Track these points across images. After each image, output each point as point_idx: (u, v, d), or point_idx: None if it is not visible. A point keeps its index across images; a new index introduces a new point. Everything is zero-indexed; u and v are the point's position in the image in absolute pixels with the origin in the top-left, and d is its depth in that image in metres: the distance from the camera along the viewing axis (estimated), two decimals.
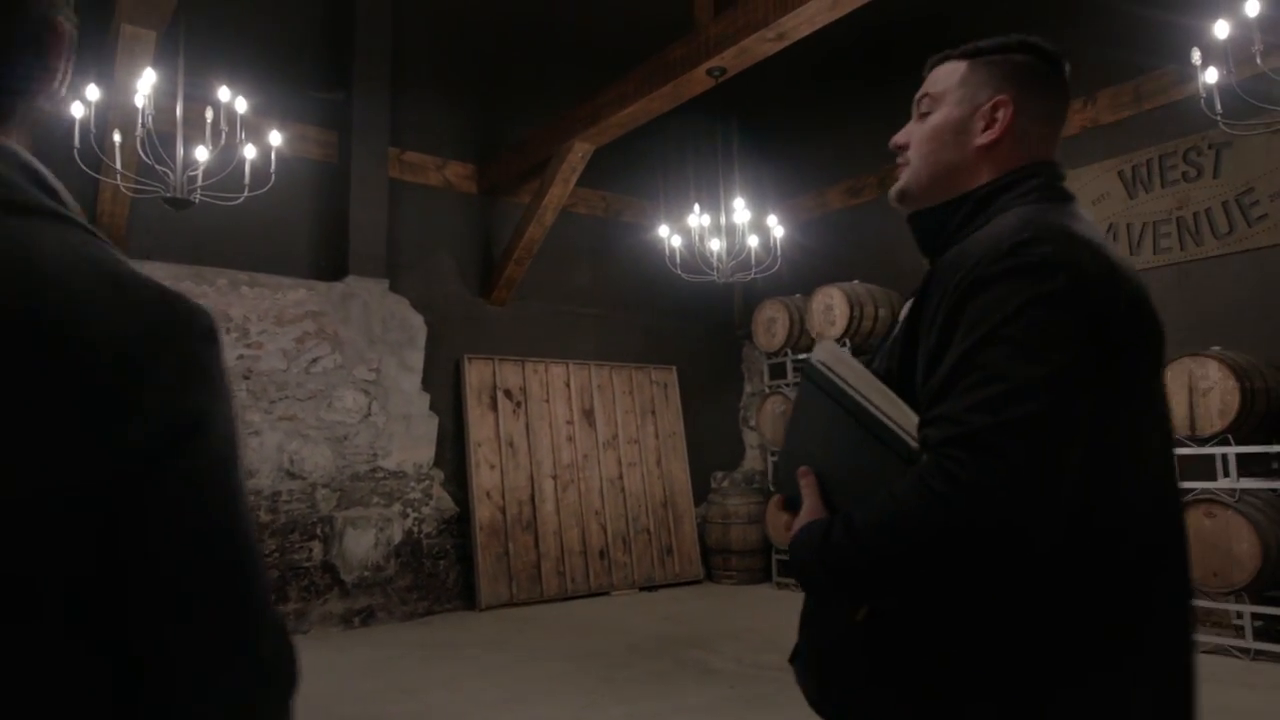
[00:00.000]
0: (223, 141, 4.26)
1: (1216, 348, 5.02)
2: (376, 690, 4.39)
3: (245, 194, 4.60)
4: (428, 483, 6.56)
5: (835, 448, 1.09)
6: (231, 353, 5.73)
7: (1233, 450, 4.78)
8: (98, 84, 4.21)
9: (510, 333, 7.27)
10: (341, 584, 6.02)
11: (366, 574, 6.13)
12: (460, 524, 6.66)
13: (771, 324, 7.64)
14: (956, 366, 0.93)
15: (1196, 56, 3.92)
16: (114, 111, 4.61)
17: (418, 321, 6.69)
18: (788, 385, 7.51)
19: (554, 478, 7.11)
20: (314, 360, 6.14)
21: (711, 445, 8.29)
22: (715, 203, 6.39)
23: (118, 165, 4.36)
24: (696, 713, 3.96)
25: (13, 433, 0.50)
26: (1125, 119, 5.92)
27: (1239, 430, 4.77)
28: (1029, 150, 1.13)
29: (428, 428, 6.63)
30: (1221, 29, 3.76)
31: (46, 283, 0.53)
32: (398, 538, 6.33)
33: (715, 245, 6.14)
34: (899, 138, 1.22)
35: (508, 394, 7.08)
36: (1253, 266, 5.31)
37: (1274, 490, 4.84)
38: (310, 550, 5.95)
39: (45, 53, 0.63)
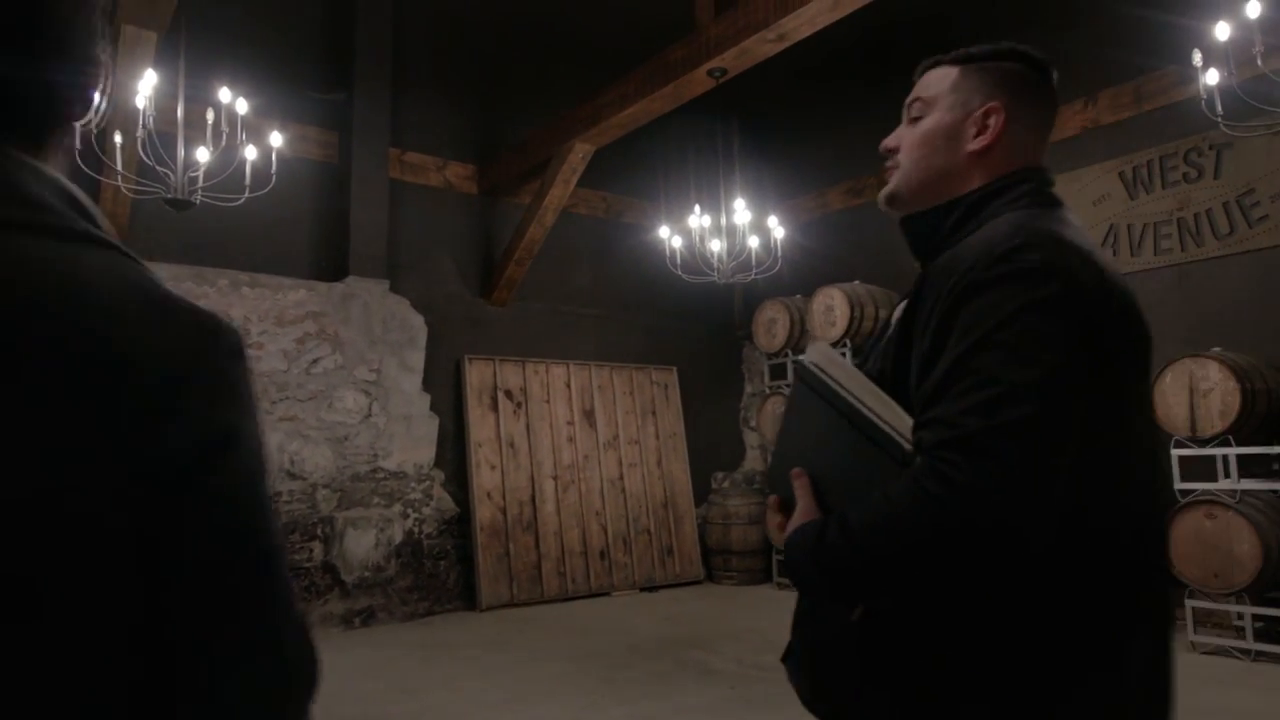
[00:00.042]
0: (223, 142, 4.26)
1: (1217, 349, 5.02)
2: (377, 690, 4.39)
3: (246, 195, 4.60)
4: (428, 483, 6.57)
5: (828, 449, 1.10)
6: None
7: (1233, 451, 4.78)
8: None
9: (511, 333, 7.28)
10: (342, 584, 6.02)
11: (367, 574, 6.13)
12: (461, 524, 6.67)
13: (772, 325, 7.64)
14: (951, 370, 0.94)
15: (1197, 58, 3.92)
16: (115, 112, 4.61)
17: (418, 322, 6.69)
18: (788, 386, 7.51)
19: (554, 478, 7.11)
20: (314, 361, 6.14)
21: (712, 446, 8.29)
22: (716, 203, 6.40)
23: (119, 166, 4.36)
24: (697, 713, 3.96)
25: (65, 446, 0.54)
26: (1126, 120, 5.92)
27: (1240, 431, 4.77)
28: (1019, 156, 1.14)
29: (428, 428, 6.63)
30: (1222, 30, 3.76)
31: (93, 306, 0.57)
32: (398, 538, 6.33)
33: (716, 246, 6.14)
34: (889, 141, 1.23)
35: (508, 394, 7.08)
36: (1253, 267, 5.31)
37: (1275, 491, 4.84)
38: (311, 551, 5.95)
39: (87, 85, 0.67)
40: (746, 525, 7.43)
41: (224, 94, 4.34)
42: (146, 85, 4.03)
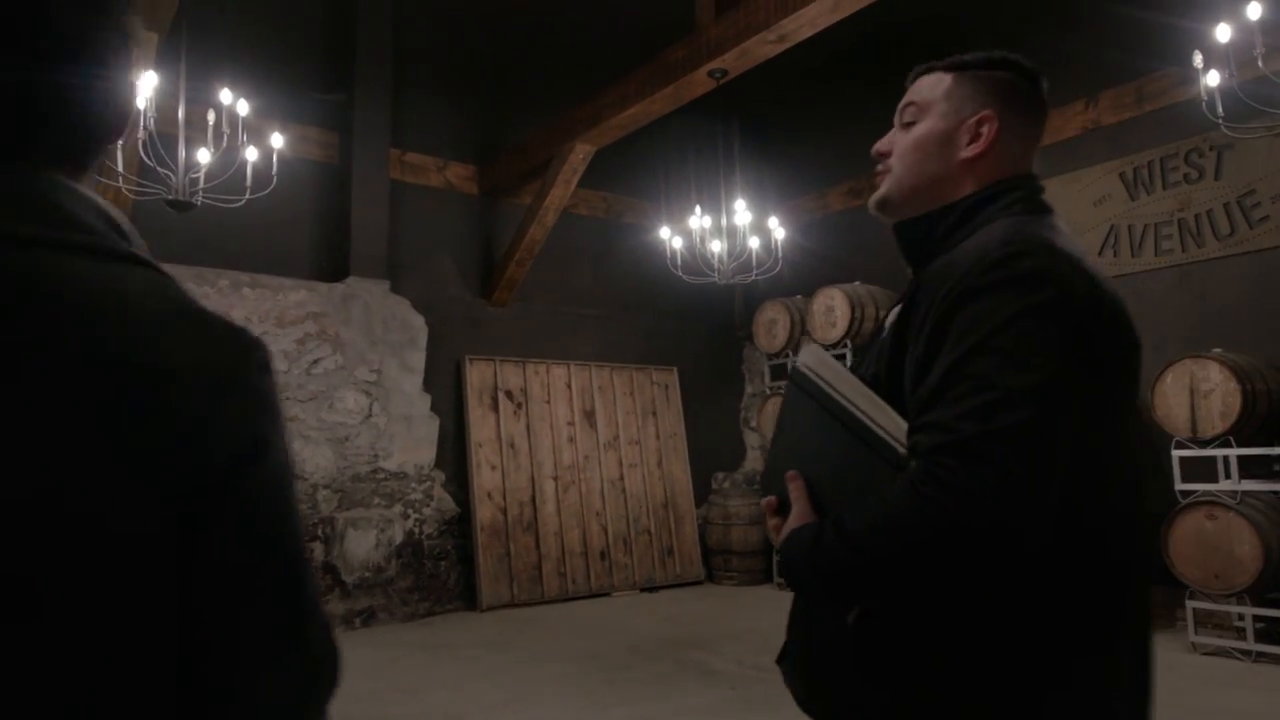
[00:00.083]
0: (224, 144, 4.27)
1: (1218, 349, 5.02)
2: (377, 691, 4.40)
3: (247, 196, 4.61)
4: (429, 484, 6.57)
5: (822, 452, 1.10)
6: None
7: (1234, 452, 4.78)
8: None
9: (511, 334, 7.28)
10: (342, 585, 6.03)
11: (367, 575, 6.14)
12: (461, 525, 6.67)
13: (772, 325, 7.64)
14: (946, 375, 0.94)
15: (1198, 59, 3.92)
16: None
17: (419, 322, 6.70)
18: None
19: (555, 479, 7.11)
20: (315, 361, 6.15)
21: (712, 446, 8.29)
22: (716, 204, 6.40)
23: (119, 168, 4.36)
24: (697, 714, 3.96)
25: (114, 454, 0.57)
26: (1127, 120, 5.92)
27: (1240, 432, 4.77)
28: (1010, 164, 1.16)
29: (429, 429, 6.63)
30: (1223, 32, 3.76)
31: (138, 323, 0.61)
32: (399, 539, 6.34)
33: (716, 247, 6.15)
34: (881, 145, 1.23)
35: (509, 395, 7.08)
36: (1254, 268, 5.31)
37: (1275, 492, 4.84)
38: (311, 551, 5.96)
39: (120, 111, 0.71)
40: (747, 526, 7.43)
41: (225, 95, 4.34)
42: (147, 86, 4.03)
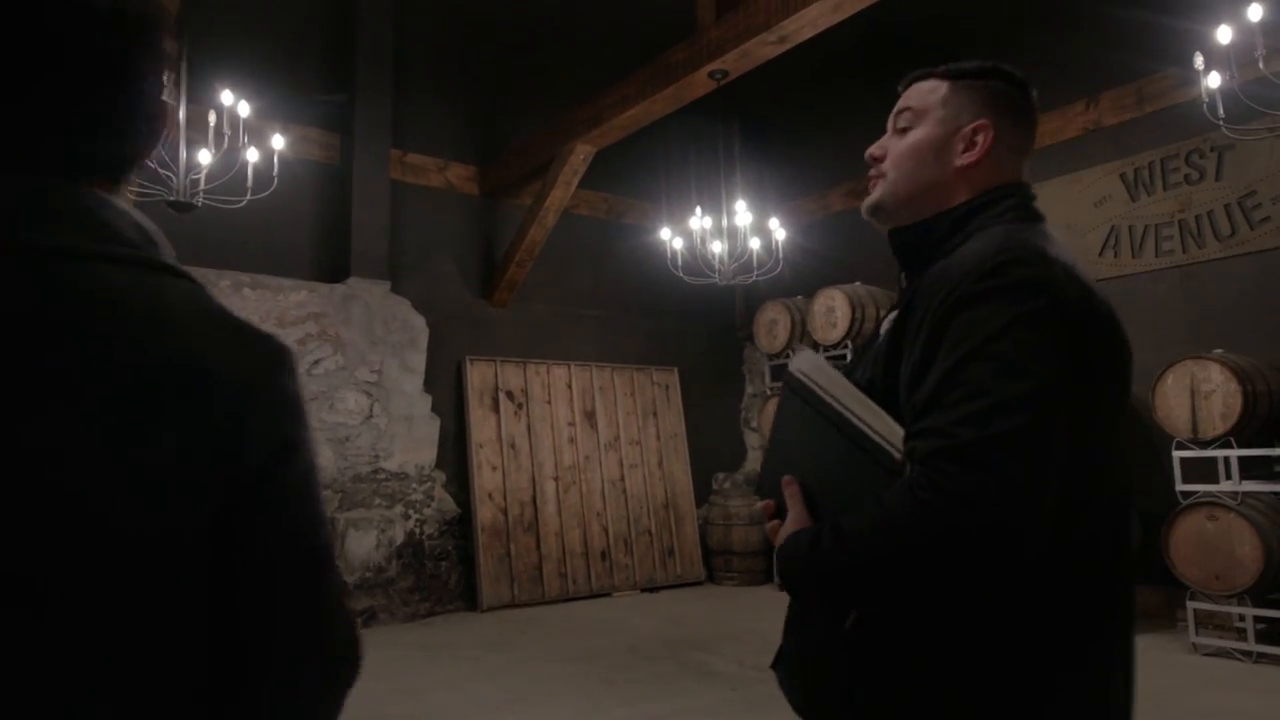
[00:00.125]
0: (225, 145, 4.27)
1: (1219, 350, 5.02)
2: (378, 691, 4.40)
3: (248, 197, 4.61)
4: (429, 484, 6.57)
5: (818, 457, 1.11)
6: None
7: (1235, 453, 4.78)
8: None
9: (512, 334, 7.28)
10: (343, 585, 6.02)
11: (368, 575, 6.14)
12: (462, 525, 6.67)
13: (773, 326, 7.64)
14: (943, 381, 0.95)
15: (1199, 60, 3.92)
16: None
17: (419, 323, 6.70)
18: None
19: (556, 479, 7.12)
20: (316, 362, 6.15)
21: (713, 447, 8.29)
22: (717, 205, 6.40)
23: None
24: (698, 715, 3.97)
25: (157, 452, 0.62)
26: (1128, 121, 5.91)
27: (1241, 433, 4.77)
28: (1002, 173, 1.17)
29: (429, 429, 6.64)
30: (1224, 34, 3.76)
31: (178, 331, 0.65)
32: (399, 539, 6.34)
33: (717, 247, 6.15)
34: (874, 150, 1.25)
35: (509, 395, 7.09)
36: (1255, 269, 5.31)
37: (1276, 493, 4.84)
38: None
39: (157, 128, 0.75)
40: (748, 526, 7.43)
41: (226, 96, 4.34)
42: None
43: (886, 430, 1.01)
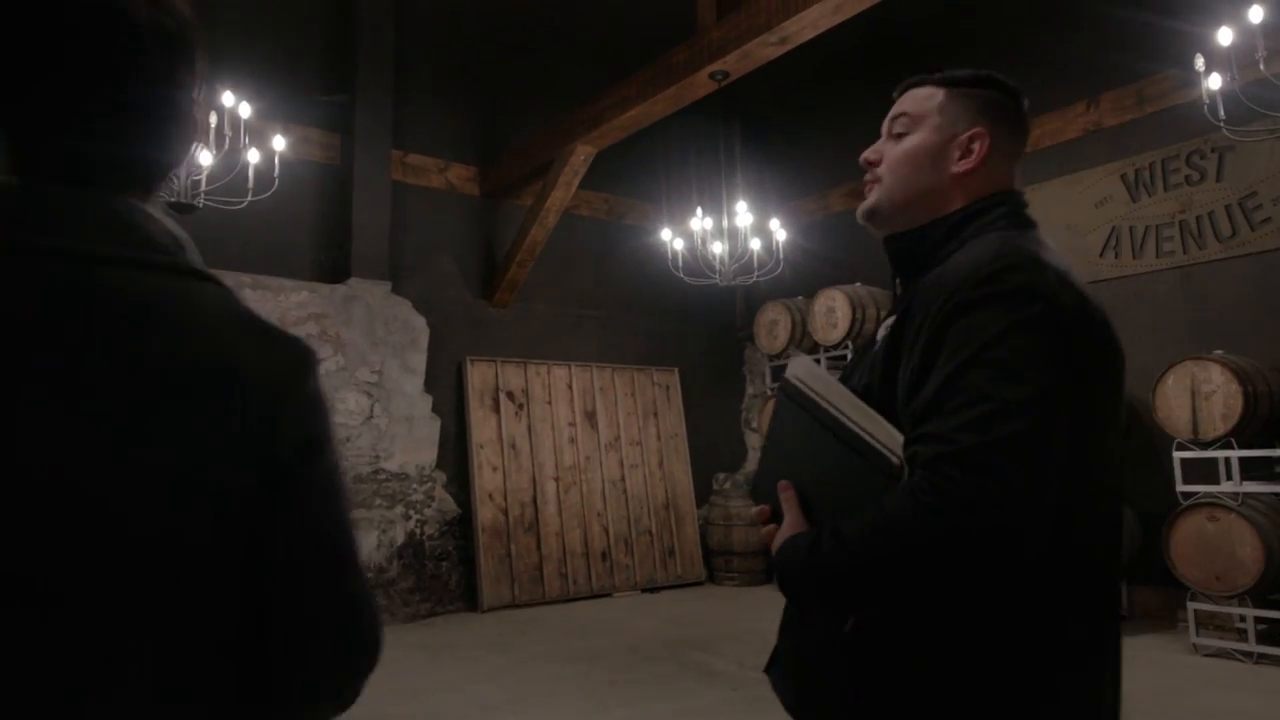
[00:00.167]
0: (226, 146, 4.27)
1: (1219, 351, 5.02)
2: (378, 692, 4.39)
3: (249, 198, 4.61)
4: (430, 484, 6.57)
5: (814, 463, 1.12)
6: None
7: (1235, 454, 4.78)
8: None
9: (512, 335, 7.28)
10: None
11: (369, 575, 6.12)
12: (462, 526, 6.67)
13: (774, 326, 7.65)
14: (942, 388, 0.97)
15: (1200, 62, 3.92)
16: None
17: (420, 323, 6.70)
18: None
19: (556, 479, 7.12)
20: None
21: (713, 447, 8.29)
22: (717, 205, 6.40)
23: None
24: (698, 715, 3.97)
25: (188, 453, 0.64)
26: (1128, 122, 5.92)
27: (1242, 434, 4.77)
28: (996, 180, 1.19)
29: (430, 430, 6.64)
30: (1225, 35, 3.77)
31: (208, 335, 0.68)
32: (400, 539, 6.34)
33: (717, 248, 6.15)
34: (870, 154, 1.25)
35: (510, 396, 7.09)
36: (1255, 270, 5.31)
37: (1277, 494, 4.84)
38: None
39: (187, 138, 0.78)
40: (748, 526, 7.43)
41: (227, 97, 4.35)
42: None
43: (884, 436, 1.02)
